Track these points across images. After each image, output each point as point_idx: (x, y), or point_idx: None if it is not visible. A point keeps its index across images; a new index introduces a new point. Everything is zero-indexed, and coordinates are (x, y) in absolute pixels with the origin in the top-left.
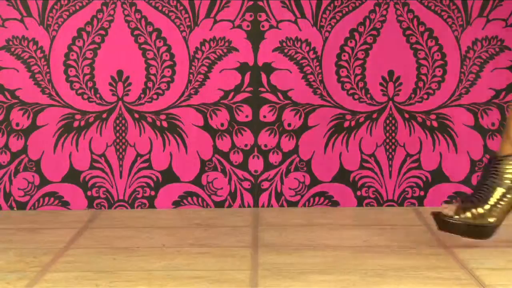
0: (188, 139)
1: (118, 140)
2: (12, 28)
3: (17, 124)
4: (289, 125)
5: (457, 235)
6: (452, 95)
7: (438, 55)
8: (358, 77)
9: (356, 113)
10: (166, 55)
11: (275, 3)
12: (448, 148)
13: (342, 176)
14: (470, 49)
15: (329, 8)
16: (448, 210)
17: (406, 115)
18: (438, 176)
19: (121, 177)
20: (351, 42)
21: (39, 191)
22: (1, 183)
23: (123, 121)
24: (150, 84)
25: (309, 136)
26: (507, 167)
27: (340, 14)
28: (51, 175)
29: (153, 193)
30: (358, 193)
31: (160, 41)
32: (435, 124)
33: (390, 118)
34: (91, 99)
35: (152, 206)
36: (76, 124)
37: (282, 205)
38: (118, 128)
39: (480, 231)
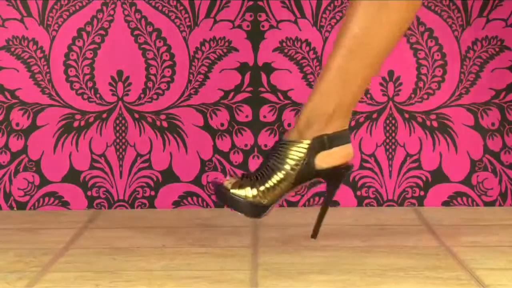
0: (188, 139)
1: (118, 140)
2: (12, 28)
3: (17, 124)
4: (289, 125)
5: (231, 208)
6: (452, 95)
7: (438, 55)
8: None
9: (355, 113)
10: (166, 55)
11: (275, 3)
12: (448, 148)
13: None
14: (470, 49)
15: (329, 8)
16: (228, 183)
17: (406, 115)
18: (438, 176)
19: (121, 177)
20: None
21: (39, 191)
22: (1, 183)
23: (123, 121)
24: (150, 84)
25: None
26: (289, 152)
27: (340, 14)
28: (51, 175)
29: (153, 193)
30: (358, 193)
31: (160, 41)
32: (435, 124)
33: (390, 118)
34: (91, 99)
35: (152, 206)
36: (76, 124)
37: (282, 205)
38: (118, 128)
39: (251, 209)
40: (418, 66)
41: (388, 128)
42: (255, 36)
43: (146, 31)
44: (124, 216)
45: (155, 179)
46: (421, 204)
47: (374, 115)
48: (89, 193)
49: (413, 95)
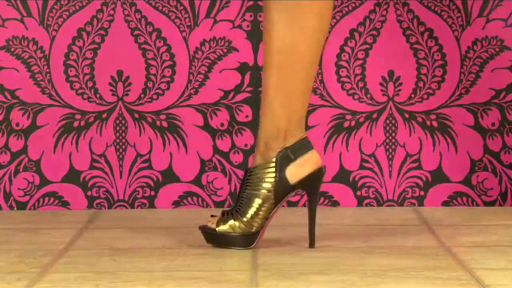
0: (188, 139)
1: (118, 140)
2: (12, 28)
3: (17, 124)
4: None
5: (222, 246)
6: (452, 95)
7: (438, 55)
8: (358, 77)
9: (356, 113)
10: (166, 55)
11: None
12: (448, 148)
13: (342, 176)
14: (470, 49)
15: None
16: (211, 223)
17: (406, 115)
18: (438, 176)
19: (121, 177)
20: (351, 42)
21: (39, 191)
22: (1, 183)
23: (123, 121)
24: (150, 84)
25: (308, 136)
26: (259, 176)
27: (340, 14)
28: (51, 175)
29: (153, 193)
30: (358, 193)
31: (160, 41)
32: (435, 124)
33: (390, 118)
34: (91, 99)
35: (152, 206)
36: (76, 124)
37: (282, 205)
38: (118, 128)
39: (243, 240)
40: (418, 66)
41: (388, 128)
42: (255, 36)
43: (146, 31)
44: (124, 216)
45: (155, 179)
46: (421, 204)
47: (374, 115)
48: (89, 193)
49: (413, 95)
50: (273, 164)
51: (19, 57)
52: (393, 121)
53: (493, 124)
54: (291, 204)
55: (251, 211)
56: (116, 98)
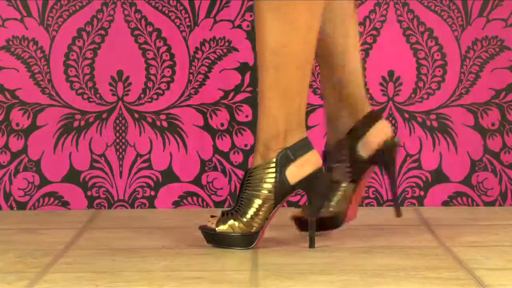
0: (188, 139)
1: (118, 140)
2: (12, 28)
3: (17, 124)
4: None
5: (222, 246)
6: (452, 95)
7: (438, 55)
8: None
9: None
10: (166, 55)
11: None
12: (448, 148)
13: None
14: (470, 49)
15: None
16: (211, 224)
17: (406, 115)
18: (438, 176)
19: (121, 177)
20: None
21: (39, 191)
22: (1, 183)
23: (123, 121)
24: (150, 84)
25: (308, 136)
26: (259, 176)
27: None
28: (51, 175)
29: (153, 193)
30: None
31: (160, 41)
32: (435, 124)
33: (390, 118)
34: (91, 99)
35: (152, 206)
36: (76, 124)
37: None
38: (118, 128)
39: (243, 240)
40: (418, 66)
41: None
42: (255, 36)
43: (146, 31)
44: (124, 216)
45: (155, 179)
46: (421, 204)
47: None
48: (89, 193)
49: (413, 95)
50: (273, 165)
51: (19, 57)
52: (393, 121)
53: (493, 124)
54: (291, 204)
55: (251, 212)
56: (116, 98)
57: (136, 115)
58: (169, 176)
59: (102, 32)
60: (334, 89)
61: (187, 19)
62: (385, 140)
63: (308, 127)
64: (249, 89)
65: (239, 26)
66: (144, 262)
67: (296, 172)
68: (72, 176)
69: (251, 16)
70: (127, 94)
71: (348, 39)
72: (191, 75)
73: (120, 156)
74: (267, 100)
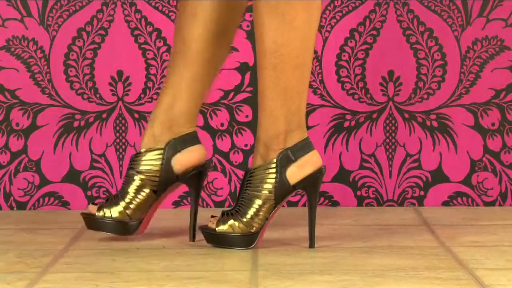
0: None
1: (118, 140)
2: (12, 28)
3: (17, 124)
4: None
5: (222, 246)
6: (452, 95)
7: (438, 55)
8: (358, 77)
9: (356, 113)
10: (166, 55)
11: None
12: (448, 148)
13: (342, 176)
14: (470, 49)
15: (329, 8)
16: (211, 224)
17: (406, 115)
18: (438, 176)
19: (121, 177)
20: (351, 42)
21: (39, 191)
22: (1, 183)
23: (123, 121)
24: (150, 84)
25: (308, 136)
26: (260, 177)
27: (340, 14)
28: (51, 175)
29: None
30: (358, 193)
31: (160, 41)
32: (435, 124)
33: (390, 118)
34: (91, 99)
35: None
36: (76, 124)
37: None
38: (118, 128)
39: (242, 240)
40: (418, 66)
41: (388, 128)
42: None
43: (146, 31)
44: None
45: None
46: (421, 204)
47: (374, 115)
48: (89, 193)
49: (413, 95)
50: (273, 165)
51: (19, 57)
52: (393, 121)
53: (493, 124)
54: (291, 204)
55: (251, 212)
56: (116, 98)
57: (136, 115)
58: None
59: (102, 32)
60: None
61: None
62: (199, 162)
63: (308, 127)
64: (249, 89)
65: (239, 26)
66: (144, 262)
67: (296, 172)
68: (72, 176)
69: (251, 16)
70: (127, 94)
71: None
72: None
73: (120, 156)
74: (267, 100)
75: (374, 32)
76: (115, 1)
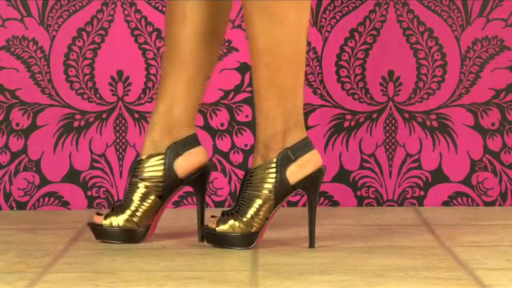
0: None
1: (118, 140)
2: (12, 28)
3: (17, 124)
4: None
5: (221, 246)
6: (452, 95)
7: (438, 55)
8: (358, 77)
9: (356, 113)
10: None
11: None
12: (448, 148)
13: (342, 176)
14: (470, 49)
15: (329, 8)
16: (211, 223)
17: (406, 115)
18: (438, 176)
19: (121, 177)
20: (351, 42)
21: (39, 191)
22: (1, 183)
23: (123, 121)
24: (150, 84)
25: (308, 136)
26: (260, 177)
27: (340, 14)
28: (51, 175)
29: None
30: (358, 193)
31: (160, 41)
32: (435, 124)
33: (390, 118)
34: (91, 99)
35: None
36: (76, 124)
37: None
38: (118, 128)
39: (242, 240)
40: (418, 66)
41: (388, 128)
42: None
43: (146, 31)
44: None
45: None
46: (421, 204)
47: (374, 115)
48: (89, 193)
49: (413, 95)
50: (273, 165)
51: (19, 57)
52: (393, 121)
53: (493, 124)
54: (291, 204)
55: (251, 212)
56: (116, 98)
57: (136, 115)
58: None
59: (102, 32)
60: None
61: None
62: (201, 163)
63: (308, 127)
64: (249, 89)
65: (239, 26)
66: (144, 262)
67: (296, 172)
68: (72, 176)
69: None
70: (127, 94)
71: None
72: None
73: (120, 156)
74: (264, 101)
75: (374, 32)
76: (115, 1)
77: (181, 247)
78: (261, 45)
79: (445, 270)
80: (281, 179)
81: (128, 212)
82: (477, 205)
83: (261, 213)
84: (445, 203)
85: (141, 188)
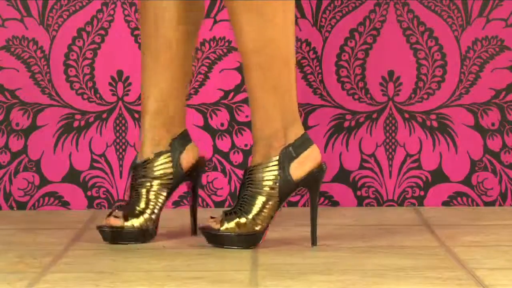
0: None
1: (118, 140)
2: (12, 28)
3: (17, 124)
4: None
5: (224, 246)
6: (452, 95)
7: (438, 55)
8: (358, 77)
9: (356, 113)
10: None
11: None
12: (448, 148)
13: (342, 176)
14: (470, 49)
15: (329, 8)
16: (215, 224)
17: (406, 115)
18: (438, 176)
19: (121, 177)
20: (351, 42)
21: (39, 191)
22: (1, 183)
23: (123, 121)
24: None
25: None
26: (262, 175)
27: (340, 14)
28: (51, 175)
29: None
30: (358, 193)
31: None
32: (435, 124)
33: (390, 118)
34: (91, 99)
35: None
36: (76, 124)
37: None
38: (118, 128)
39: (246, 240)
40: (418, 66)
41: (388, 128)
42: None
43: None
44: None
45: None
46: (421, 204)
47: (374, 115)
48: (89, 193)
49: (413, 95)
50: (276, 163)
51: (19, 57)
52: (393, 121)
53: (493, 124)
54: (291, 204)
55: (254, 210)
56: (116, 98)
57: (136, 115)
58: None
59: (102, 32)
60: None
61: None
62: (197, 158)
63: (308, 127)
64: None
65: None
66: (144, 262)
67: (298, 169)
68: (72, 176)
69: None
70: (127, 94)
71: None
72: None
73: (120, 156)
74: (259, 100)
75: (374, 32)
76: (115, 1)
77: (181, 247)
78: (251, 45)
79: (445, 270)
80: (285, 176)
81: (148, 211)
82: (477, 205)
83: (265, 211)
84: (445, 203)
85: (155, 186)
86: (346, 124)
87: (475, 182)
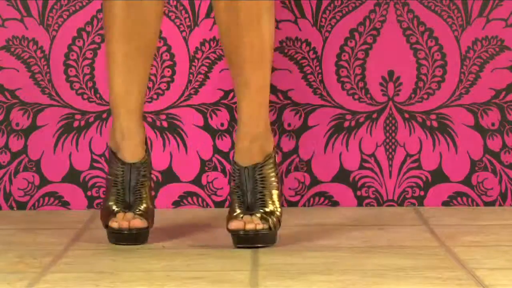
0: (188, 139)
1: None
2: (12, 28)
3: (17, 124)
4: (289, 125)
5: (259, 245)
6: (452, 95)
7: (438, 55)
8: (358, 77)
9: (356, 113)
10: (166, 55)
11: (275, 3)
12: (448, 148)
13: (342, 176)
14: (470, 49)
15: (329, 8)
16: (256, 224)
17: (406, 115)
18: (438, 176)
19: None
20: (351, 42)
21: (39, 191)
22: (1, 183)
23: None
24: (150, 84)
25: (309, 136)
26: (268, 172)
27: (340, 14)
28: (51, 175)
29: (153, 193)
30: (358, 193)
31: (160, 41)
32: (435, 124)
33: (390, 118)
34: (91, 99)
35: None
36: (76, 124)
37: (282, 205)
38: None
39: (275, 236)
40: (418, 66)
41: (388, 128)
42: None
43: None
44: None
45: (155, 179)
46: (421, 204)
47: (374, 115)
48: (89, 193)
49: (413, 95)
50: (273, 156)
51: (19, 57)
52: (393, 121)
53: (493, 124)
54: (291, 204)
55: (278, 205)
56: None
57: None
58: (169, 176)
59: (102, 32)
60: None
61: (187, 19)
62: None
63: (308, 127)
64: None
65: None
66: (144, 262)
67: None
68: (72, 176)
69: None
70: None
71: None
72: (191, 75)
73: None
74: (248, 102)
75: (374, 32)
76: None
77: (181, 247)
78: (235, 44)
79: (445, 270)
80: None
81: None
82: (477, 205)
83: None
84: (445, 203)
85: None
86: (346, 124)
87: (475, 182)
